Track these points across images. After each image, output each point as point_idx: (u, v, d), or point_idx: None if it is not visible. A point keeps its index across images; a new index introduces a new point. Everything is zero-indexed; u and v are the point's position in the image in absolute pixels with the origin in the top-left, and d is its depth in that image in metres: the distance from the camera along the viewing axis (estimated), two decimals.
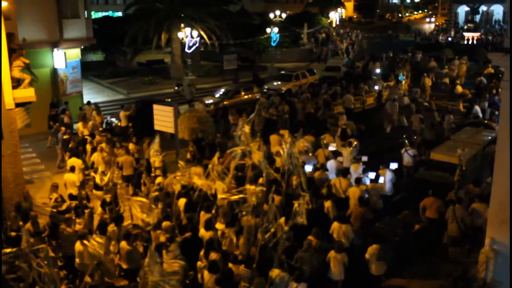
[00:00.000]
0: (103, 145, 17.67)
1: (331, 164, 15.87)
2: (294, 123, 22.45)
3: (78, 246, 10.89)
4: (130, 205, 12.67)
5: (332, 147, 17.64)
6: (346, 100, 26.66)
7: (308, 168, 15.28)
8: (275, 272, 9.93)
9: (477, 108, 23.93)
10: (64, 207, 14.09)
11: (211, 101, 28.35)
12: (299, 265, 10.40)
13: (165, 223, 11.94)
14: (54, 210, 13.67)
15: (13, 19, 19.43)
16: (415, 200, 14.55)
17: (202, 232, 11.74)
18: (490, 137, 17.38)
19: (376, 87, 30.10)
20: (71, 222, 12.04)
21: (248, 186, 12.17)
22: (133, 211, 12.63)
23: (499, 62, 9.84)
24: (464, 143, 16.90)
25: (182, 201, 13.32)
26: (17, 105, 14.34)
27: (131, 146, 18.23)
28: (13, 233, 12.20)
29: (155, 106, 18.81)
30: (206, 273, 9.94)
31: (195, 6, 38.64)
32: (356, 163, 15.71)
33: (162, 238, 11.34)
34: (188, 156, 17.74)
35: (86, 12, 27.08)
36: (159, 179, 14.93)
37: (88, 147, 18.61)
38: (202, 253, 10.77)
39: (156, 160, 16.73)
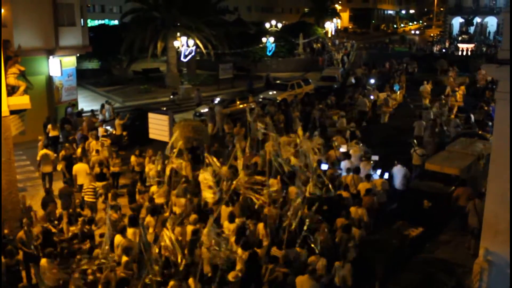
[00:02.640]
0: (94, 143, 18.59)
1: (344, 164, 17.31)
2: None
3: (117, 238, 11.57)
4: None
5: (343, 149, 18.72)
6: (361, 103, 27.68)
7: (324, 166, 16.51)
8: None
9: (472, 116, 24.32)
10: (57, 214, 14.05)
11: (206, 110, 28.35)
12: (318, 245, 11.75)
13: (192, 216, 12.70)
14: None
15: (9, 26, 19.41)
16: (409, 210, 14.59)
17: (226, 224, 12.67)
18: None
19: (372, 97, 30.17)
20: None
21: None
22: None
23: (493, 73, 9.89)
24: (458, 153, 16.96)
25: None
26: (12, 112, 14.26)
27: (132, 158, 18.16)
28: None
29: (150, 115, 18.77)
30: (240, 250, 11.23)
31: (191, 15, 38.75)
32: (366, 161, 17.12)
33: (190, 228, 12.11)
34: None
35: (82, 20, 27.10)
36: (153, 188, 14.96)
37: (78, 150, 18.83)
38: (232, 239, 11.81)
39: (152, 168, 16.73)
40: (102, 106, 26.72)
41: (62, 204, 14.82)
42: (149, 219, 13.01)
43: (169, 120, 18.05)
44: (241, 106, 29.11)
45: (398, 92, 32.87)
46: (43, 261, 10.93)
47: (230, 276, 10.41)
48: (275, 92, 33.60)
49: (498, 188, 9.64)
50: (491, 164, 9.89)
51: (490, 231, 9.93)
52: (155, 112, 19.55)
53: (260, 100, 31.45)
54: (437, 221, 14.48)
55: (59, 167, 18.00)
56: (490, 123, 22.41)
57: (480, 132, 21.43)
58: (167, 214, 13.38)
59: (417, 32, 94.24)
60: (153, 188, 15.02)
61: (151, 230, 12.67)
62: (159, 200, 14.43)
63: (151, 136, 19.01)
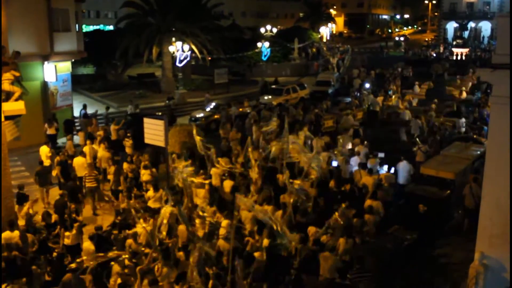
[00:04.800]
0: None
1: (354, 160, 18.23)
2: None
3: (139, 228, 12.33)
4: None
5: (349, 146, 19.87)
6: (373, 102, 29.34)
7: (335, 163, 17.81)
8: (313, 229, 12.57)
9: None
10: (52, 220, 14.01)
11: (201, 114, 28.37)
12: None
13: (211, 210, 13.53)
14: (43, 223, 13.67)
15: (3, 31, 19.35)
16: (405, 215, 14.61)
17: (245, 213, 12.95)
18: (479, 152, 17.47)
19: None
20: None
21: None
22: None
23: (487, 77, 9.92)
24: (453, 157, 17.00)
25: (228, 183, 15.65)
26: (7, 118, 14.22)
27: (125, 165, 18.15)
28: None
29: (146, 120, 18.71)
30: (266, 240, 11.81)
31: (186, 20, 38.76)
32: (373, 158, 18.20)
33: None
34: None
35: (77, 25, 27.09)
36: (150, 193, 14.94)
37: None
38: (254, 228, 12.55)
39: (144, 173, 16.72)
40: (136, 106, 28.95)
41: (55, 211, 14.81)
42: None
43: (164, 125, 17.99)
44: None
45: (393, 97, 32.97)
46: (87, 243, 11.96)
47: (256, 255, 11.16)
48: (270, 96, 33.67)
49: (493, 192, 9.67)
50: (486, 168, 9.92)
51: (485, 235, 9.95)
52: (150, 117, 19.51)
53: (256, 105, 31.48)
54: (432, 226, 14.48)
55: (54, 172, 17.97)
56: (485, 127, 22.54)
57: (475, 136, 21.53)
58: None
59: (402, 38, 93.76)
60: (150, 193, 15.01)
61: (165, 221, 12.91)
62: (154, 205, 14.40)
63: (147, 141, 18.94)
